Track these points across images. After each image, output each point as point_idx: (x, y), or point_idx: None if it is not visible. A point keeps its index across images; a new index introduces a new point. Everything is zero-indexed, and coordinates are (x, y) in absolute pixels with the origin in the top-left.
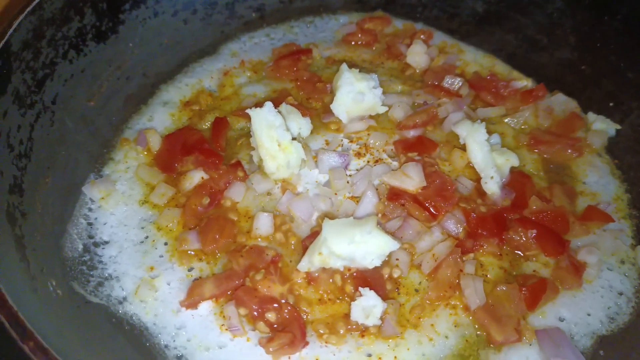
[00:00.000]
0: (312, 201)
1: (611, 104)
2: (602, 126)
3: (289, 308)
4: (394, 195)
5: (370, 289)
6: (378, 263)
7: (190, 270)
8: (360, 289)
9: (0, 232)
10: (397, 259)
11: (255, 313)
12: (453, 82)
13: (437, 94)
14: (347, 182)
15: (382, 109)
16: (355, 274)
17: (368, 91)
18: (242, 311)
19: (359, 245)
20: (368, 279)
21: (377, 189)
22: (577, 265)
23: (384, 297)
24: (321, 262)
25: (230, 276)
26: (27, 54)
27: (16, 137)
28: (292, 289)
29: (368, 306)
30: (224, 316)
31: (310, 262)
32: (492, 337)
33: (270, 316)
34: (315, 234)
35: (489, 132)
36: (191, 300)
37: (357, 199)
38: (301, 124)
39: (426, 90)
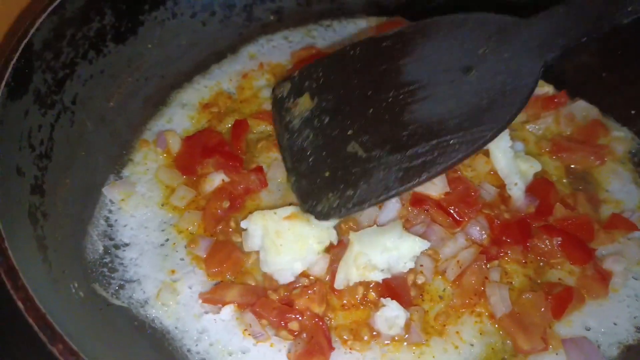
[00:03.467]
0: None
1: (633, 112)
2: (624, 134)
3: (310, 314)
4: (417, 201)
5: (393, 298)
6: (412, 265)
7: None
8: (382, 299)
9: (23, 232)
10: (421, 265)
11: (278, 320)
12: None
13: None
14: None
15: None
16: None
17: None
18: (264, 322)
19: (391, 251)
20: (392, 285)
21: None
22: (603, 274)
23: (408, 303)
24: (360, 277)
25: (256, 290)
26: (48, 53)
27: (37, 137)
28: None
29: (391, 317)
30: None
31: (347, 279)
32: (519, 346)
33: (293, 325)
34: (340, 243)
35: (511, 139)
36: (211, 298)
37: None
38: None
39: None
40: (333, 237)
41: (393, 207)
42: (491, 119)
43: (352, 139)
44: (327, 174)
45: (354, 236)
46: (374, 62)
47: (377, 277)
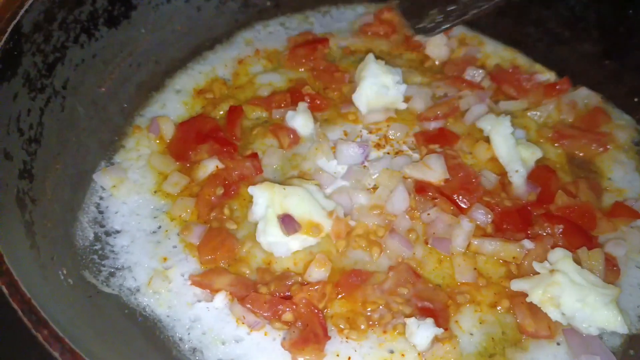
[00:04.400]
0: (350, 194)
1: (635, 99)
2: (626, 122)
3: (305, 301)
4: (421, 188)
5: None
6: None
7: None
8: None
9: (11, 217)
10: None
11: (270, 314)
12: (475, 74)
13: (459, 86)
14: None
15: (403, 105)
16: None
17: (392, 85)
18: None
19: None
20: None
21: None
22: (611, 260)
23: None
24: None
25: (247, 283)
26: (39, 36)
27: (26, 121)
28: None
29: (425, 335)
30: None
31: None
32: (524, 327)
33: (286, 316)
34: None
35: (512, 126)
36: (201, 281)
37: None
38: (307, 124)
39: (447, 82)
40: (327, 225)
41: (401, 196)
42: None
43: None
44: None
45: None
46: None
47: None
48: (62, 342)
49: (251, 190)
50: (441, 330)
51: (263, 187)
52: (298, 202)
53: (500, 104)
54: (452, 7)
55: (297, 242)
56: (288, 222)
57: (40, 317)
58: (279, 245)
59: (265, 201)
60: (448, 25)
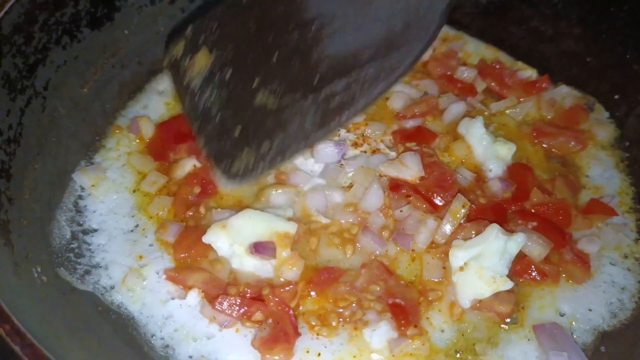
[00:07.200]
0: (325, 192)
1: (617, 96)
2: (606, 119)
3: (276, 300)
4: (395, 186)
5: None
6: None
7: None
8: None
9: None
10: None
11: (240, 316)
12: (465, 73)
13: (451, 89)
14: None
15: None
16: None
17: None
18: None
19: (505, 253)
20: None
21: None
22: (582, 258)
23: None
24: (492, 291)
25: (219, 283)
26: (19, 38)
27: (5, 121)
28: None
29: (379, 340)
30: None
31: (477, 298)
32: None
33: (257, 316)
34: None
35: (490, 123)
36: (175, 277)
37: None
38: None
39: (439, 83)
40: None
41: (376, 194)
42: (408, 42)
43: (260, 88)
44: (237, 131)
45: (460, 254)
46: (271, 5)
47: (509, 285)
48: (23, 337)
49: (206, 239)
50: (396, 334)
51: (215, 230)
52: (253, 224)
53: (492, 106)
54: (266, 146)
55: (270, 266)
56: (263, 250)
57: (3, 312)
58: (264, 269)
59: (224, 242)
60: (262, 168)
